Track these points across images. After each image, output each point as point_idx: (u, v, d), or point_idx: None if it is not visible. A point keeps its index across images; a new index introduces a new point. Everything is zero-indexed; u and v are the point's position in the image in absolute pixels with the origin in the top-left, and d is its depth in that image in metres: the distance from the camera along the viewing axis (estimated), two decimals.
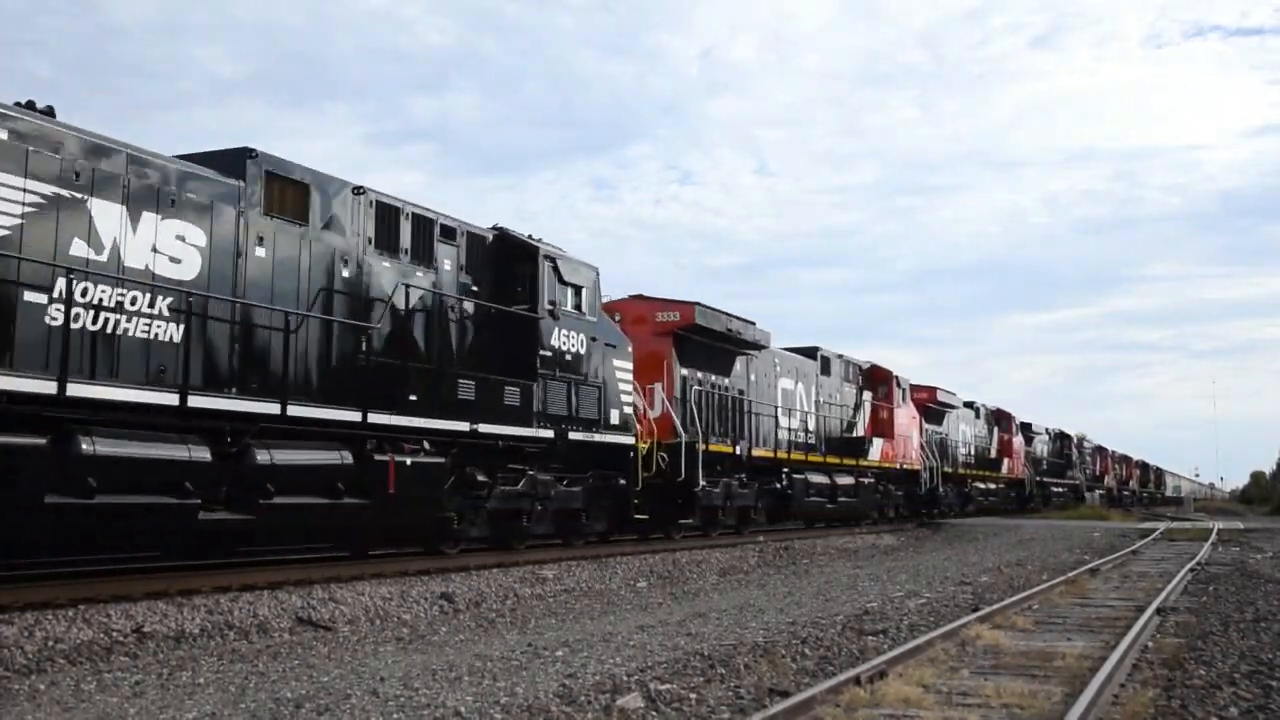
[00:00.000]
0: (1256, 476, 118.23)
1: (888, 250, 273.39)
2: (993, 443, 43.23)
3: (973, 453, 40.23)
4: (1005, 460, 43.96)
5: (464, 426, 13.13)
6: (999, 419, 44.28)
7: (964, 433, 39.40)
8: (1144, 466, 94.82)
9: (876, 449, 28.12)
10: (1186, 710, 6.34)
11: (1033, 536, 27.59)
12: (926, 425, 33.33)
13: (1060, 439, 57.38)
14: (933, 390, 35.03)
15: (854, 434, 27.54)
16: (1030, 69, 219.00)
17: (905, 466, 30.34)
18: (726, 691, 6.63)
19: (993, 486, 42.30)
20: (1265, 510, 72.62)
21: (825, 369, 26.51)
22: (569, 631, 9.51)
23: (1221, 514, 64.64)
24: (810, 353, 26.04)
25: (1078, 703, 6.06)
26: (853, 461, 26.65)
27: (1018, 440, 45.93)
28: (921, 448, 32.08)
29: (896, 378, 29.88)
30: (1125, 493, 77.97)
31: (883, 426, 28.95)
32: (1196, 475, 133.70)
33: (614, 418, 16.37)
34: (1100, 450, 68.84)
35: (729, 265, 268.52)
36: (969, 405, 40.57)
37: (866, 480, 27.40)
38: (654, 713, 6.09)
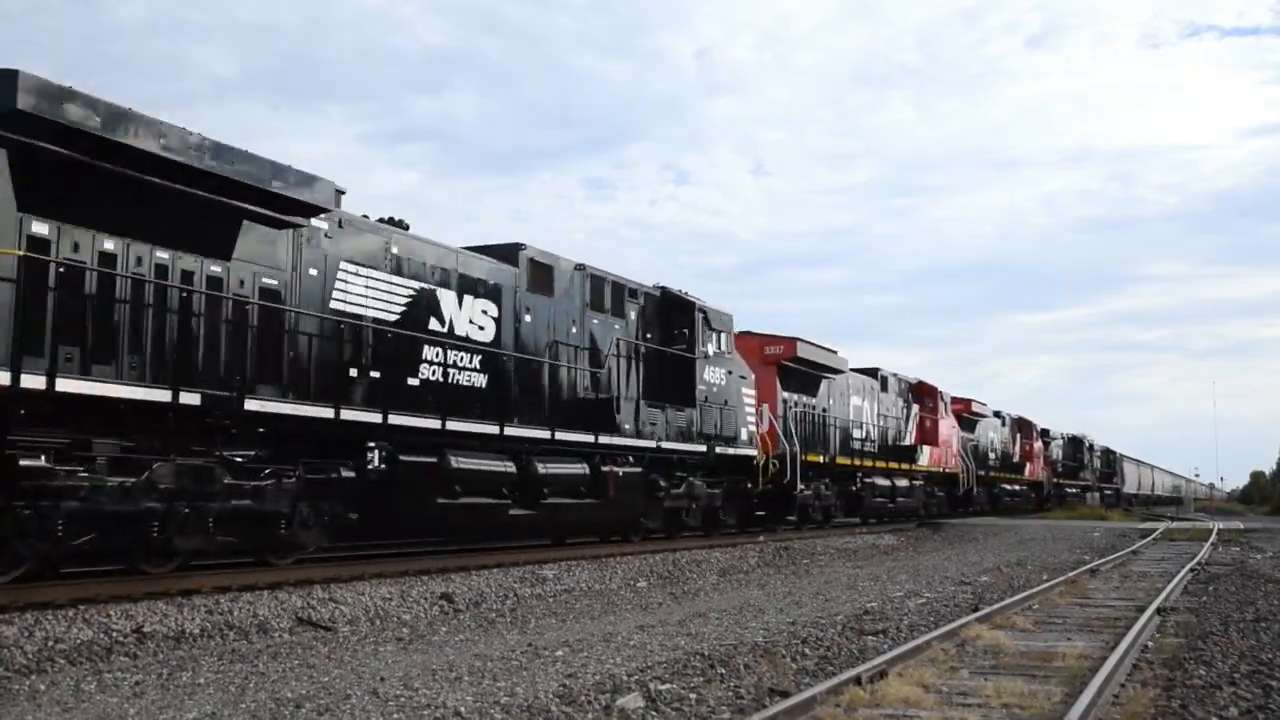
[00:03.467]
0: (1256, 476, 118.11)
1: (886, 250, 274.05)
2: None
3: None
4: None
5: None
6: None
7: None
8: (1074, 443, 58.32)
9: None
10: (1186, 710, 6.34)
11: (1033, 536, 27.61)
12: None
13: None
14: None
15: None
16: (1026, 69, 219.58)
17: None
18: (726, 691, 6.63)
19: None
20: (1265, 510, 72.65)
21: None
22: (569, 631, 9.51)
23: (1221, 514, 64.65)
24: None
25: (1078, 703, 6.06)
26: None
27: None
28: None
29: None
30: (1008, 491, 43.41)
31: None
32: (1196, 475, 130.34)
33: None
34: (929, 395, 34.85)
35: (727, 265, 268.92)
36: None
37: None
38: (654, 713, 6.08)
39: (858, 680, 6.65)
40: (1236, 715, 6.32)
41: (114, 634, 8.19)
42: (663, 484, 17.53)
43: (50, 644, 7.72)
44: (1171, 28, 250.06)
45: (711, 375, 19.15)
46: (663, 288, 18.50)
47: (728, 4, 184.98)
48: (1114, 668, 7.29)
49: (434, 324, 13.03)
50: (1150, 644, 8.92)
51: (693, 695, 6.48)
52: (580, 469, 15.20)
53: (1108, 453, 69.88)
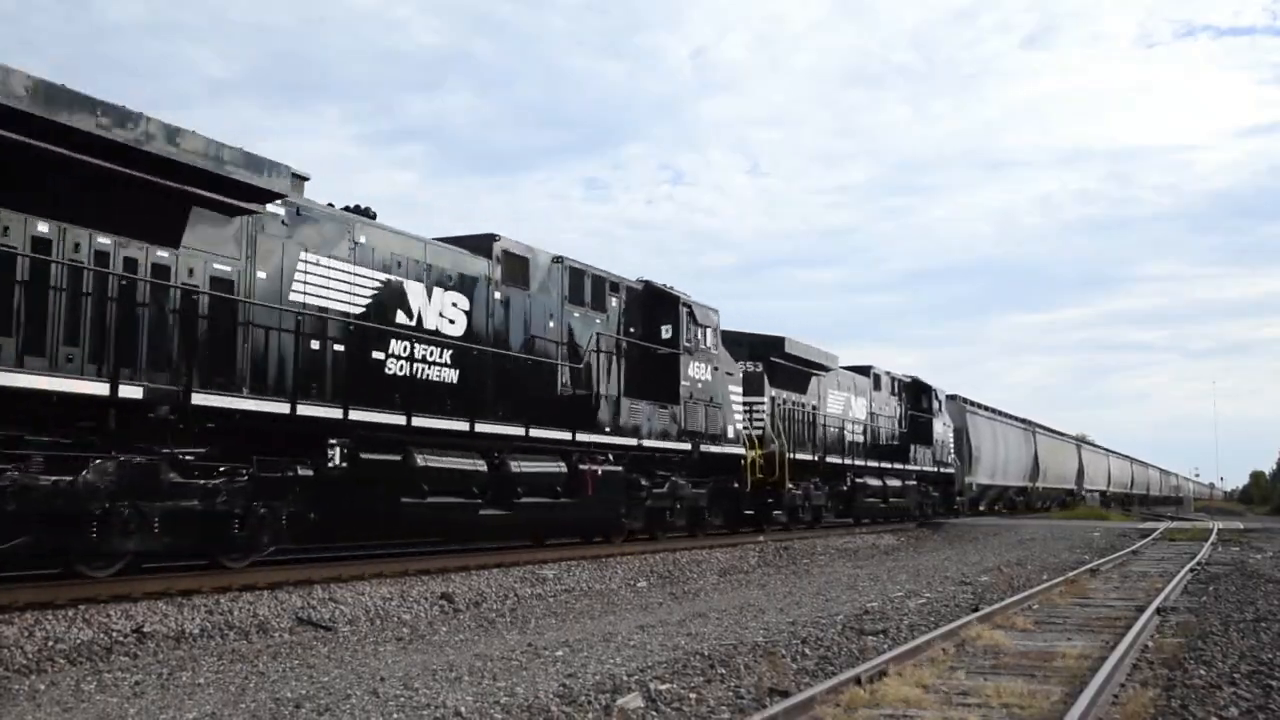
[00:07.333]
0: (1256, 476, 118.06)
1: (882, 250, 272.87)
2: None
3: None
4: None
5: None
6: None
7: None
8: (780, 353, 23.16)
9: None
10: (1186, 710, 6.34)
11: (1032, 536, 27.63)
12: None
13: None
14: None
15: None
16: (1021, 68, 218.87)
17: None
18: (726, 691, 6.63)
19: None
20: (1265, 510, 72.69)
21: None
22: (569, 631, 9.51)
23: (1221, 514, 64.67)
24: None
25: (1077, 703, 6.06)
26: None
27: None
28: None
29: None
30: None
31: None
32: (1196, 475, 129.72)
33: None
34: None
35: (723, 265, 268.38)
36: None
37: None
38: (654, 713, 6.09)
39: (857, 680, 6.65)
40: (1236, 715, 6.32)
41: (114, 634, 8.19)
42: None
43: (50, 644, 7.72)
44: (1166, 27, 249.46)
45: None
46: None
47: (721, 3, 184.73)
48: (1114, 668, 7.29)
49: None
50: (1150, 644, 8.92)
51: (693, 695, 6.48)
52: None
53: (917, 387, 31.95)
